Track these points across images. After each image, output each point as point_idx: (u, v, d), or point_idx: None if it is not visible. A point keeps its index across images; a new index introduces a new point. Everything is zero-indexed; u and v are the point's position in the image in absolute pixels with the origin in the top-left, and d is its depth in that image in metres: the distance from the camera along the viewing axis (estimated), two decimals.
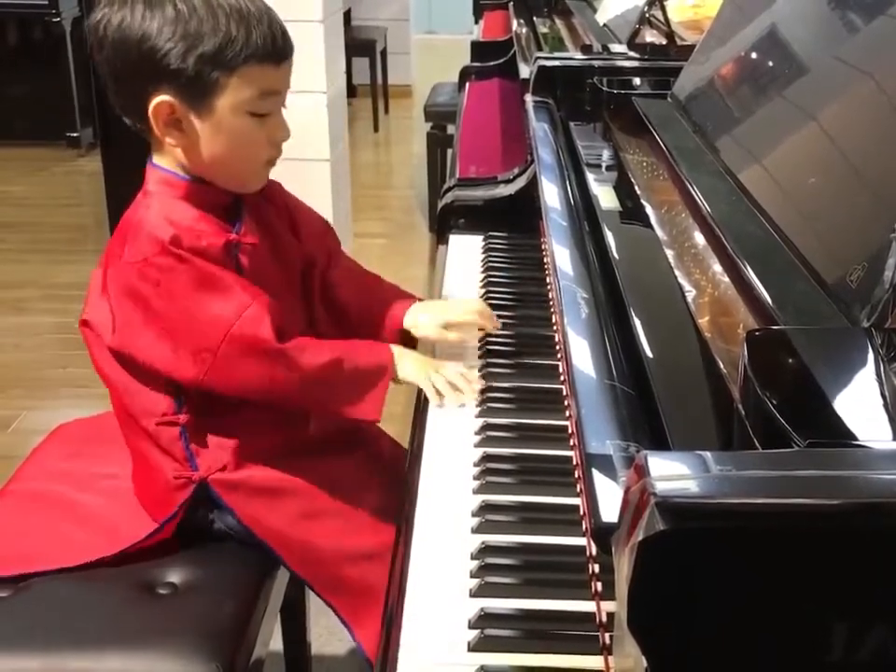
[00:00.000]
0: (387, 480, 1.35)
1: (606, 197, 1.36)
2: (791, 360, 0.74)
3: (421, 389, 1.33)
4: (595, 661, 0.86)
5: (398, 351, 1.33)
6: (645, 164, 1.42)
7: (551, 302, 1.45)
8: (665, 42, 1.88)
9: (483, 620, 0.92)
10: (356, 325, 1.43)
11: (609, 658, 0.84)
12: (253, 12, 1.20)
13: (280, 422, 1.31)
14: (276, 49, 1.22)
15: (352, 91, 6.32)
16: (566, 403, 1.21)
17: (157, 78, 1.18)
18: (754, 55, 1.40)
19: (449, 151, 3.73)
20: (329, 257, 1.45)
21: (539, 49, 2.50)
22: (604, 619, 0.87)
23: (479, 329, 1.43)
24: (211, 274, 1.21)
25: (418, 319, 1.42)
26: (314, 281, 1.42)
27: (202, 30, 1.17)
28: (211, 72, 1.18)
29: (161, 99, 1.19)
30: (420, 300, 1.47)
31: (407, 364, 1.31)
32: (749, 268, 0.93)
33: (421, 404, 1.31)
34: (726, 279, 0.99)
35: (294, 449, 1.32)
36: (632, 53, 1.84)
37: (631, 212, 1.29)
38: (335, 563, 1.29)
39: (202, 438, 1.28)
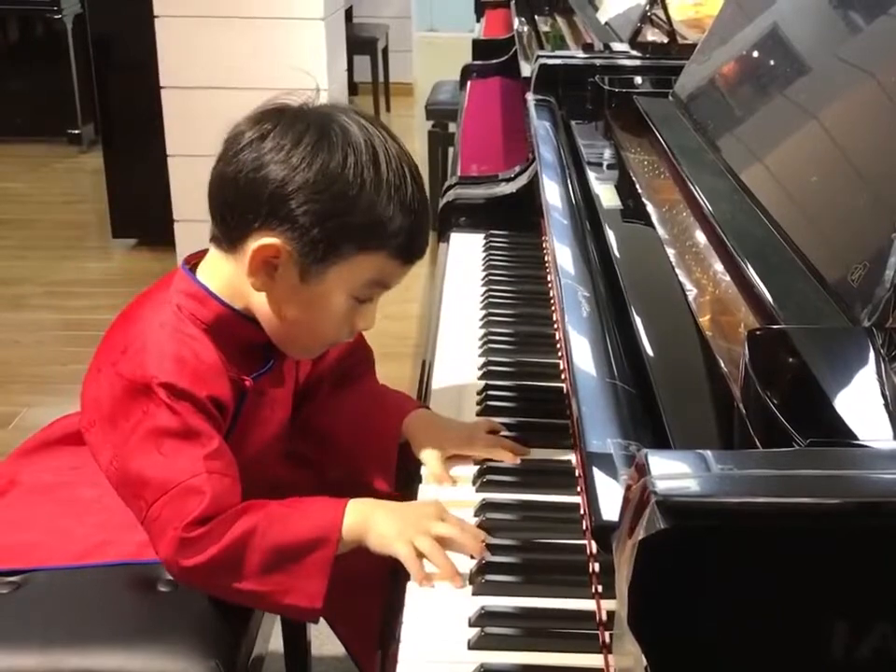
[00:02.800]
0: (384, 485, 1.33)
1: (607, 195, 1.36)
2: (791, 359, 0.74)
3: (421, 386, 1.32)
4: (595, 659, 0.86)
5: (361, 512, 1.06)
6: (646, 163, 1.42)
7: (551, 301, 1.45)
8: (666, 41, 1.88)
9: (484, 618, 0.92)
10: (351, 437, 1.27)
11: (609, 656, 0.84)
12: (417, 209, 1.11)
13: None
14: (413, 250, 1.13)
15: (353, 88, 6.31)
16: (566, 402, 1.22)
17: (279, 220, 1.06)
18: (756, 54, 1.40)
19: (450, 149, 3.72)
20: (337, 382, 1.32)
21: (541, 47, 2.50)
22: (604, 617, 0.87)
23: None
24: (182, 425, 1.08)
25: (417, 435, 1.21)
26: (314, 402, 1.31)
27: (357, 202, 1.06)
28: (342, 244, 1.07)
29: (272, 241, 1.06)
30: (422, 406, 1.28)
31: (380, 525, 1.05)
32: (750, 267, 0.93)
33: (422, 400, 1.31)
34: (727, 278, 0.99)
35: None
36: (633, 52, 1.84)
37: (632, 210, 1.29)
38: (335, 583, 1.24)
39: None
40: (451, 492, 1.12)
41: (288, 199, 1.05)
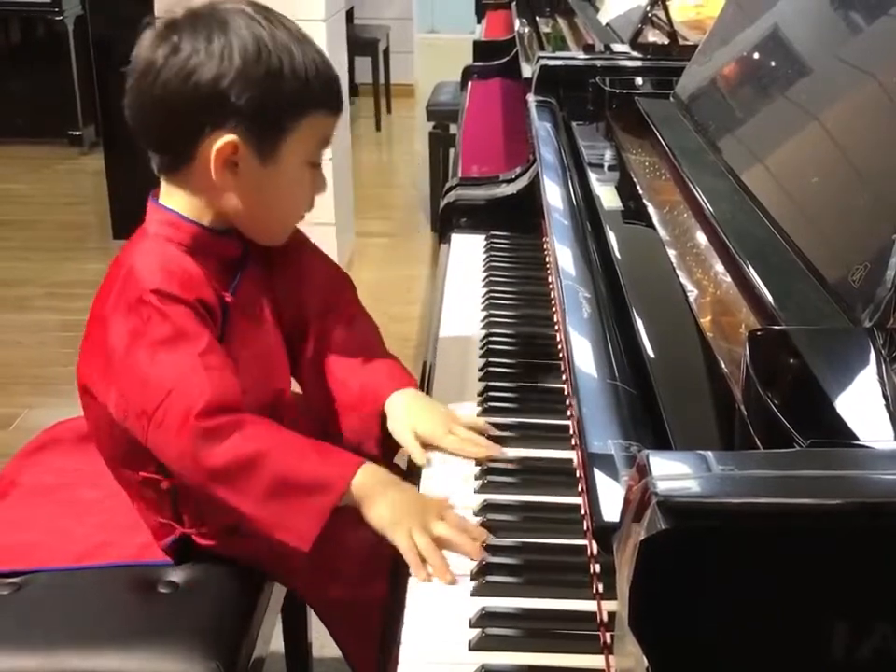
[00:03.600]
0: None
1: (608, 197, 1.36)
2: (792, 360, 0.74)
3: (422, 386, 1.32)
4: (597, 660, 0.86)
5: (374, 480, 1.08)
6: (647, 164, 1.42)
7: (552, 302, 1.45)
8: (667, 42, 1.88)
9: (485, 619, 0.92)
10: (339, 396, 1.28)
11: (611, 657, 0.84)
12: (323, 61, 1.17)
13: None
14: (338, 99, 1.20)
15: (354, 90, 6.32)
16: (567, 403, 1.21)
17: (225, 118, 1.11)
18: (756, 55, 1.40)
19: (451, 150, 3.73)
20: (325, 315, 1.31)
21: (542, 48, 2.50)
22: (605, 618, 0.87)
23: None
24: (175, 328, 1.11)
25: (396, 412, 1.22)
26: (307, 342, 1.31)
27: (282, 71, 1.12)
28: (285, 115, 1.14)
29: (227, 139, 1.12)
30: (416, 386, 1.28)
31: (383, 504, 1.07)
32: (750, 268, 0.93)
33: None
34: (728, 279, 0.99)
35: None
36: (634, 53, 1.84)
37: (633, 212, 1.29)
38: (330, 596, 1.24)
39: (187, 502, 1.23)
40: (452, 488, 1.12)
41: (226, 93, 1.11)
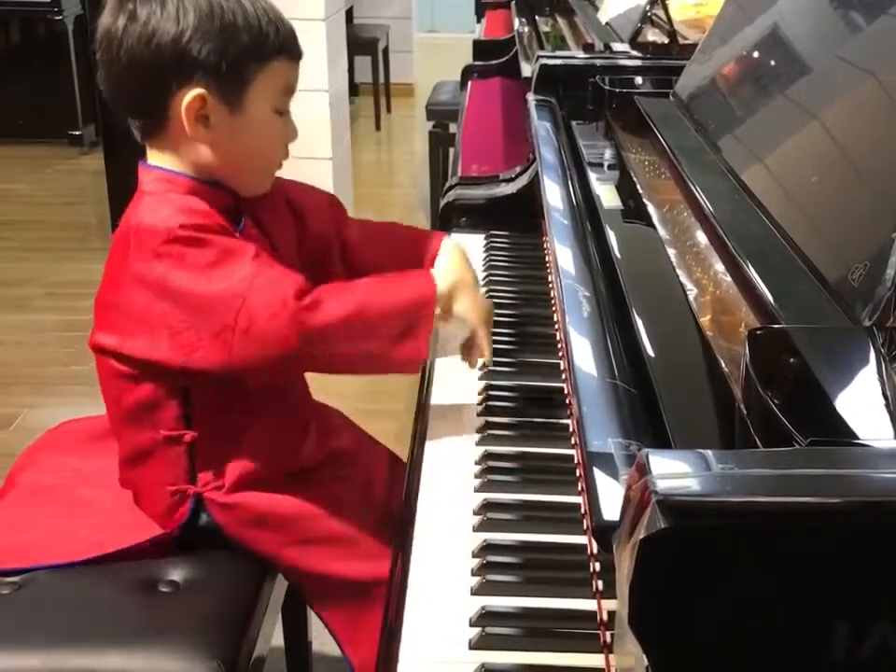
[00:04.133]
0: (386, 496, 1.34)
1: (608, 196, 1.36)
2: (792, 359, 0.74)
3: (422, 386, 1.33)
4: (596, 659, 0.86)
5: (449, 283, 1.25)
6: (647, 163, 1.42)
7: (552, 301, 1.45)
8: (667, 41, 1.88)
9: (485, 618, 0.92)
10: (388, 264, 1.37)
11: (610, 656, 0.84)
12: (274, 11, 1.22)
13: (280, 446, 1.30)
14: (296, 46, 1.25)
15: (354, 89, 6.32)
16: (567, 401, 1.22)
17: (190, 73, 1.17)
18: (756, 54, 1.40)
19: (451, 150, 3.73)
20: (339, 228, 1.42)
21: (542, 47, 2.49)
22: (605, 617, 0.87)
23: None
24: (218, 249, 1.16)
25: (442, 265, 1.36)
26: (332, 257, 1.40)
27: (237, 23, 1.17)
28: (246, 64, 1.19)
29: (194, 93, 1.17)
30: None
31: (464, 299, 1.26)
32: (750, 267, 0.93)
33: (423, 402, 1.31)
34: (728, 278, 0.99)
35: (292, 474, 1.30)
36: (634, 52, 1.84)
37: (633, 211, 1.29)
38: (330, 586, 1.28)
39: (205, 457, 1.27)
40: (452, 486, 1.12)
41: (187, 49, 1.16)
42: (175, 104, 1.18)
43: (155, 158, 1.25)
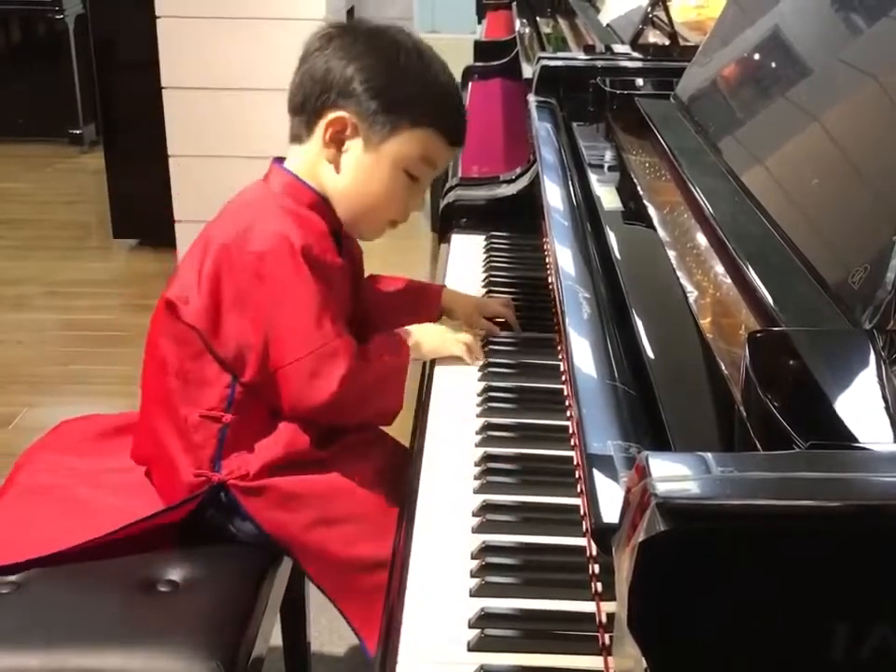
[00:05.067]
0: (394, 482, 1.35)
1: (608, 197, 1.36)
2: (792, 362, 0.74)
3: (422, 387, 1.33)
4: (595, 661, 0.86)
5: (415, 335, 1.35)
6: (647, 165, 1.42)
7: (552, 302, 1.45)
8: (668, 43, 1.88)
9: (483, 619, 0.92)
10: (386, 325, 1.44)
11: (609, 659, 0.84)
12: (457, 95, 1.37)
13: (304, 435, 1.32)
14: (458, 132, 1.36)
15: None
16: (567, 403, 1.21)
17: (345, 98, 1.28)
18: (757, 56, 1.40)
19: None
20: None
21: (542, 49, 2.49)
22: (604, 619, 0.87)
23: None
24: (320, 292, 1.24)
25: (454, 304, 1.50)
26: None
27: (407, 79, 1.29)
28: (396, 115, 1.28)
29: (340, 114, 1.28)
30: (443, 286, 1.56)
31: (427, 339, 1.37)
32: (750, 269, 0.93)
33: (422, 402, 1.31)
34: (728, 280, 0.99)
35: (314, 456, 1.32)
36: (635, 54, 1.84)
37: (633, 212, 1.29)
38: (349, 570, 1.29)
39: (236, 440, 1.29)
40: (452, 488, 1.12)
41: (350, 79, 1.28)
42: (323, 118, 1.29)
43: (291, 161, 1.34)
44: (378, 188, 1.32)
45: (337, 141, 1.29)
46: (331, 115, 1.28)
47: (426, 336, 1.37)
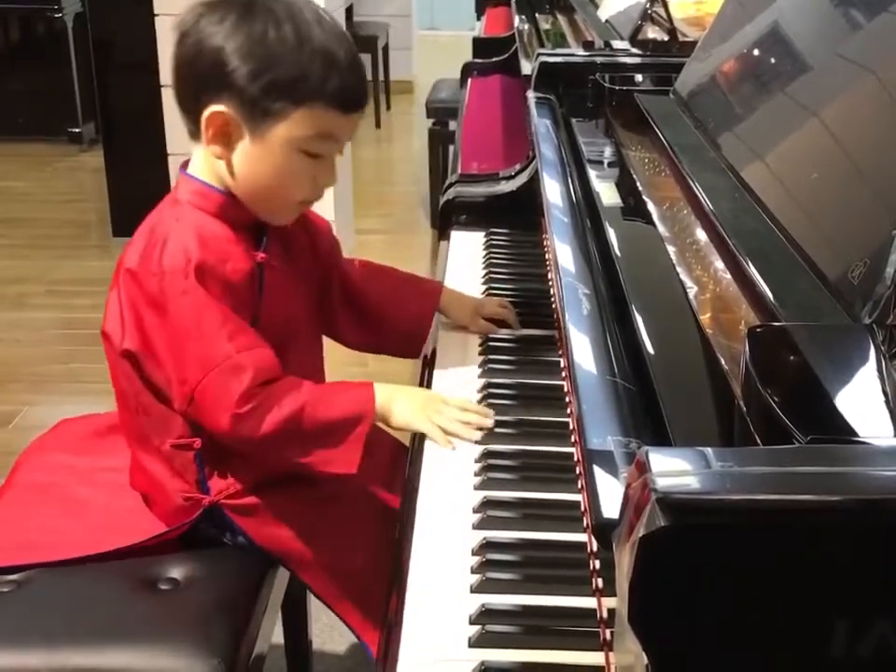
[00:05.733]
0: (390, 484, 1.35)
1: (607, 193, 1.36)
2: (792, 356, 0.74)
3: (422, 383, 1.33)
4: (596, 657, 0.86)
5: (386, 393, 1.23)
6: (647, 161, 1.42)
7: (552, 299, 1.45)
8: (667, 38, 1.88)
9: (484, 616, 0.92)
10: (380, 318, 1.43)
11: (610, 654, 0.84)
12: (340, 58, 1.19)
13: None
14: (348, 99, 1.21)
15: None
16: (567, 399, 1.21)
17: (220, 89, 1.18)
18: (756, 51, 1.40)
19: (451, 147, 3.73)
20: (339, 255, 1.45)
21: (541, 45, 2.49)
22: (605, 615, 0.87)
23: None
24: (219, 310, 1.18)
25: (451, 305, 1.46)
26: (330, 280, 1.42)
27: (282, 58, 1.16)
28: (276, 99, 1.17)
29: (217, 109, 1.18)
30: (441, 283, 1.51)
31: (401, 407, 1.22)
32: (750, 264, 0.93)
33: None
34: (728, 276, 0.99)
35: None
36: (634, 49, 1.84)
37: (633, 208, 1.29)
38: (345, 577, 1.29)
39: (216, 461, 1.27)
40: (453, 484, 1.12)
41: (222, 66, 1.17)
42: (203, 113, 1.19)
43: (195, 161, 1.27)
44: (275, 175, 1.22)
45: (222, 136, 1.20)
46: (209, 111, 1.18)
47: (402, 404, 1.22)
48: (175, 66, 1.22)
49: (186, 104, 1.23)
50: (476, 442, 1.18)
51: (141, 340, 1.21)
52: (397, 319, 1.43)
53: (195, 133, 1.23)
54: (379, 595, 1.17)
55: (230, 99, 1.17)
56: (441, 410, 1.21)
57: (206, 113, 1.18)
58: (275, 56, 1.16)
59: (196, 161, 1.27)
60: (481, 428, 1.20)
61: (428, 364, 1.40)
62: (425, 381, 1.36)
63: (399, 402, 1.22)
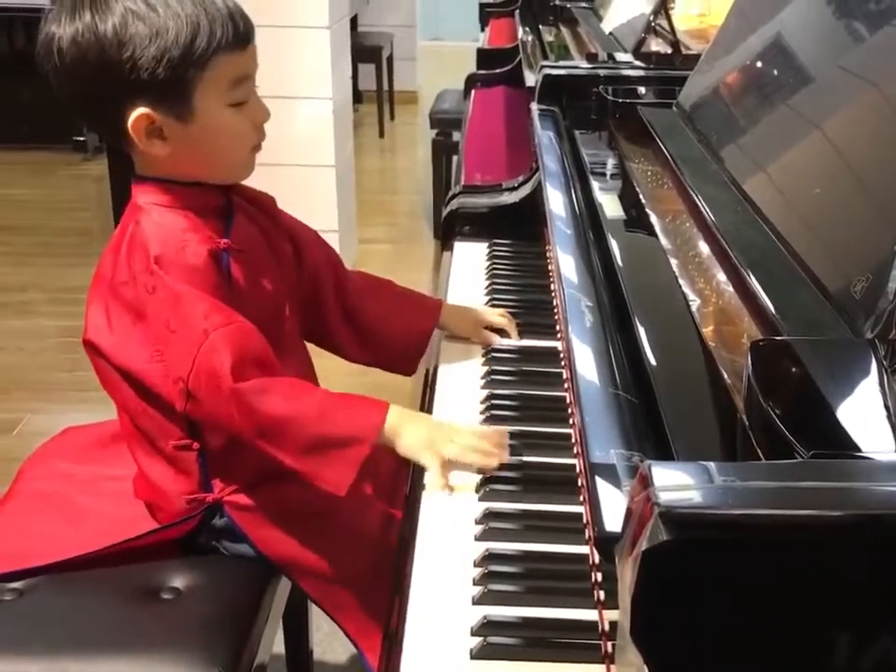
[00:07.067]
0: (392, 492, 1.35)
1: (610, 205, 1.37)
2: (794, 371, 0.75)
3: (425, 395, 1.33)
4: (598, 670, 0.86)
5: (398, 417, 1.16)
6: (650, 173, 1.42)
7: (555, 310, 1.46)
8: (670, 51, 1.89)
9: (486, 627, 0.92)
10: (377, 335, 1.42)
11: (612, 667, 0.84)
12: (210, 6, 1.16)
13: None
14: (240, 34, 1.18)
15: (358, 97, 6.32)
16: (570, 411, 1.22)
17: (128, 92, 1.15)
18: (759, 65, 1.40)
19: (454, 158, 3.73)
20: (335, 266, 1.44)
21: (545, 57, 2.50)
22: (606, 628, 0.87)
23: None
24: (189, 293, 1.16)
25: (451, 321, 1.45)
26: (325, 292, 1.41)
27: (164, 27, 1.12)
28: (184, 73, 1.14)
29: (137, 112, 1.16)
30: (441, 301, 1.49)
31: (409, 434, 1.15)
32: (752, 278, 0.93)
33: (425, 410, 1.31)
34: (730, 289, 0.99)
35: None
36: (637, 62, 1.85)
37: (635, 220, 1.29)
38: (346, 585, 1.28)
39: (219, 460, 1.27)
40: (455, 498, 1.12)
41: (121, 64, 1.12)
42: (124, 123, 1.17)
43: (142, 169, 1.26)
44: (218, 141, 1.21)
45: (154, 134, 1.18)
46: (130, 119, 1.16)
47: (410, 432, 1.16)
48: (71, 93, 1.18)
49: (104, 123, 1.21)
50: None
51: (130, 351, 1.22)
52: (394, 337, 1.43)
53: (122, 144, 1.22)
54: (379, 603, 1.18)
55: (143, 97, 1.15)
56: (454, 439, 1.15)
57: (130, 122, 1.16)
58: (157, 28, 1.12)
59: (141, 163, 1.25)
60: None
61: (431, 376, 1.40)
62: (427, 392, 1.36)
63: (409, 430, 1.16)
